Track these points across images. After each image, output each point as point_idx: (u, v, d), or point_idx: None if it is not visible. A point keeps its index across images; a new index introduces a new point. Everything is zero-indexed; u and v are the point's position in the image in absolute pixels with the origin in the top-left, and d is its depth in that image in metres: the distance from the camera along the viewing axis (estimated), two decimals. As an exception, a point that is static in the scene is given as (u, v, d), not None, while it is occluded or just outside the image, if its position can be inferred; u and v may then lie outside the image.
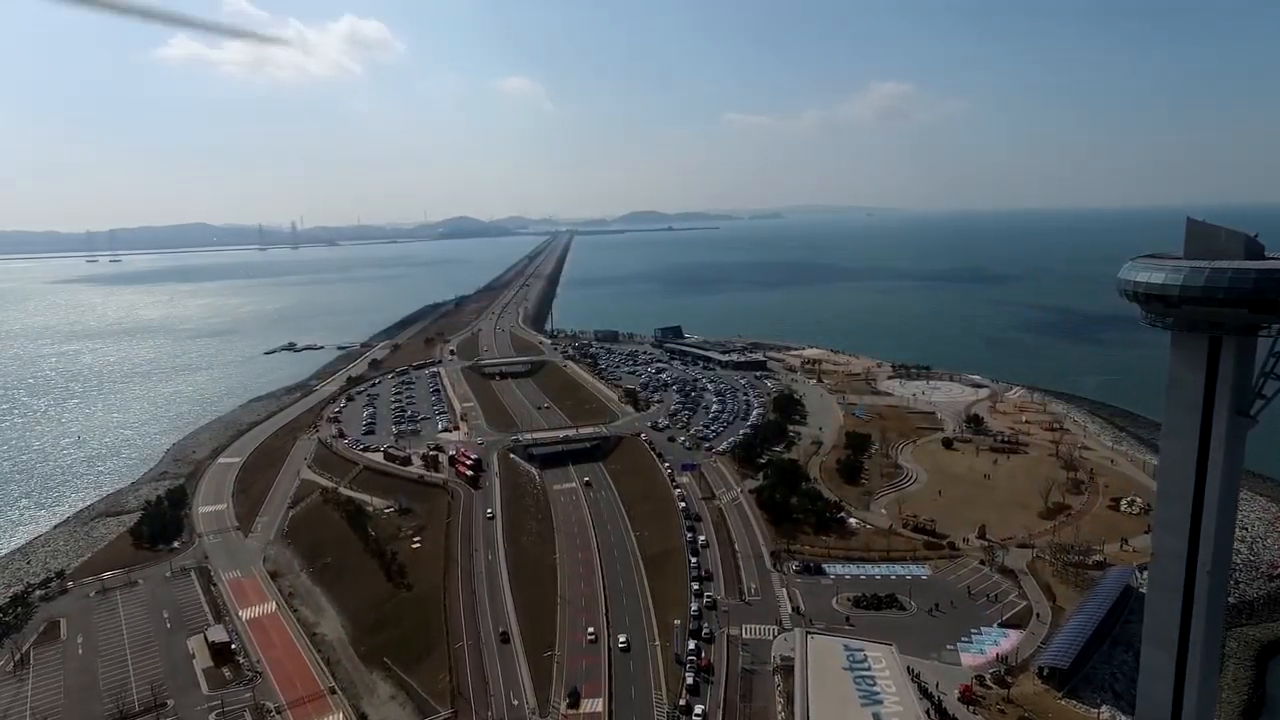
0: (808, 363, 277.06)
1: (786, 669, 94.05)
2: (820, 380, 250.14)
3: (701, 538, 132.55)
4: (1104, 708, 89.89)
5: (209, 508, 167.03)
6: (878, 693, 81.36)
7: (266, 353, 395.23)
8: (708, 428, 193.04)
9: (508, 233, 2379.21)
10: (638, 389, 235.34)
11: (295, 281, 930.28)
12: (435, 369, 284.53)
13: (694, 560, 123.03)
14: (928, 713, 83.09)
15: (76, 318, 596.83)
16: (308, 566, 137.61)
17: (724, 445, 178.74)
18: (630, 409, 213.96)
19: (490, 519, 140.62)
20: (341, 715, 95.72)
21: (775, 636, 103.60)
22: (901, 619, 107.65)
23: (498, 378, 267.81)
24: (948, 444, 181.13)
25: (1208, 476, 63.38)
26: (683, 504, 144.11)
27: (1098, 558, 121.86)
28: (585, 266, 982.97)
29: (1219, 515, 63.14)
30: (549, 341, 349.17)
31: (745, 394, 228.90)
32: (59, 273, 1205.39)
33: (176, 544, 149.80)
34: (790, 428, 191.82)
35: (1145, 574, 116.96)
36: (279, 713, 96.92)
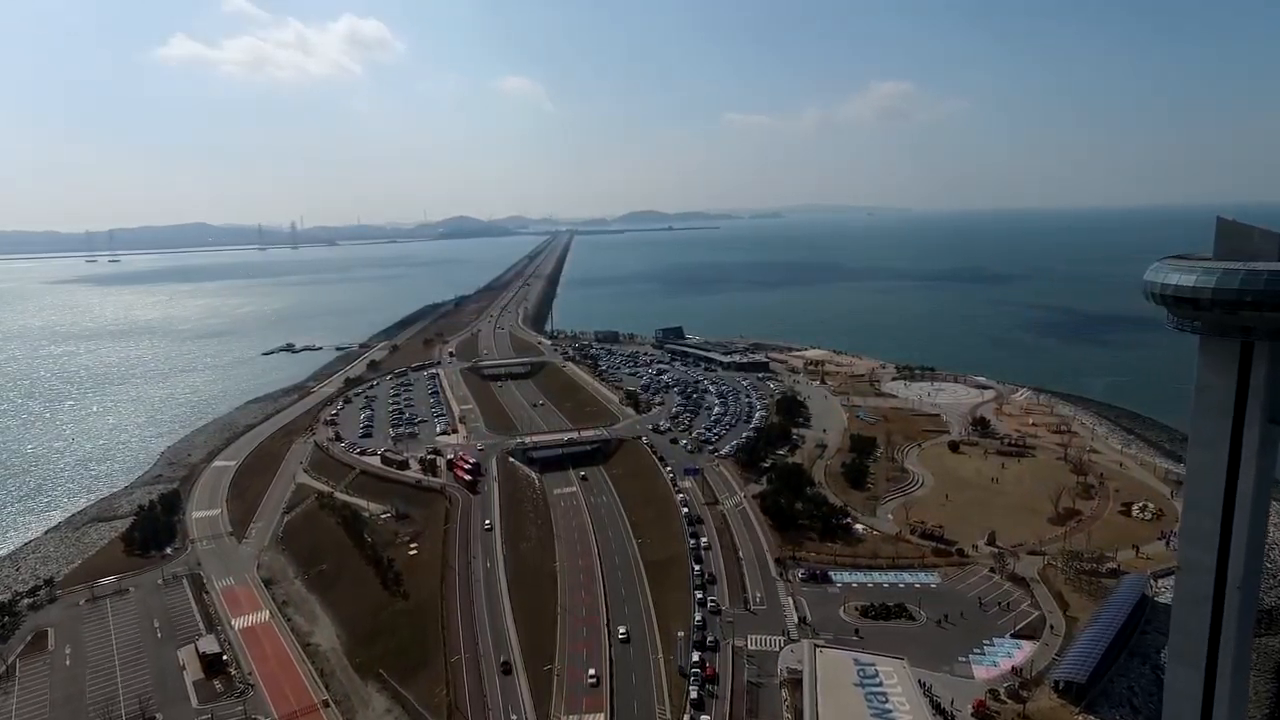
0: (811, 364, 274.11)
1: (794, 682, 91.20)
2: (824, 382, 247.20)
3: (704, 543, 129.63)
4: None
5: (203, 513, 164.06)
6: (890, 710, 78.58)
7: (264, 353, 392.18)
8: (710, 430, 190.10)
9: (508, 232, 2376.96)
10: (639, 391, 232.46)
11: (294, 281, 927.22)
12: (434, 370, 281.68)
13: (697, 567, 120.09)
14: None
15: (73, 318, 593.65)
16: (302, 573, 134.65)
17: (727, 448, 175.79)
18: (631, 411, 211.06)
19: (489, 530, 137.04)
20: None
21: (782, 647, 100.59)
22: (911, 629, 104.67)
23: (499, 380, 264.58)
24: (954, 447, 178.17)
25: (1238, 487, 60.54)
26: (685, 509, 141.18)
27: (1111, 565, 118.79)
28: (585, 266, 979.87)
29: (1250, 528, 60.20)
30: (549, 342, 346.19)
31: (748, 396, 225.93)
32: (57, 273, 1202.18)
33: (169, 550, 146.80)
34: (794, 430, 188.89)
35: (1160, 582, 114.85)
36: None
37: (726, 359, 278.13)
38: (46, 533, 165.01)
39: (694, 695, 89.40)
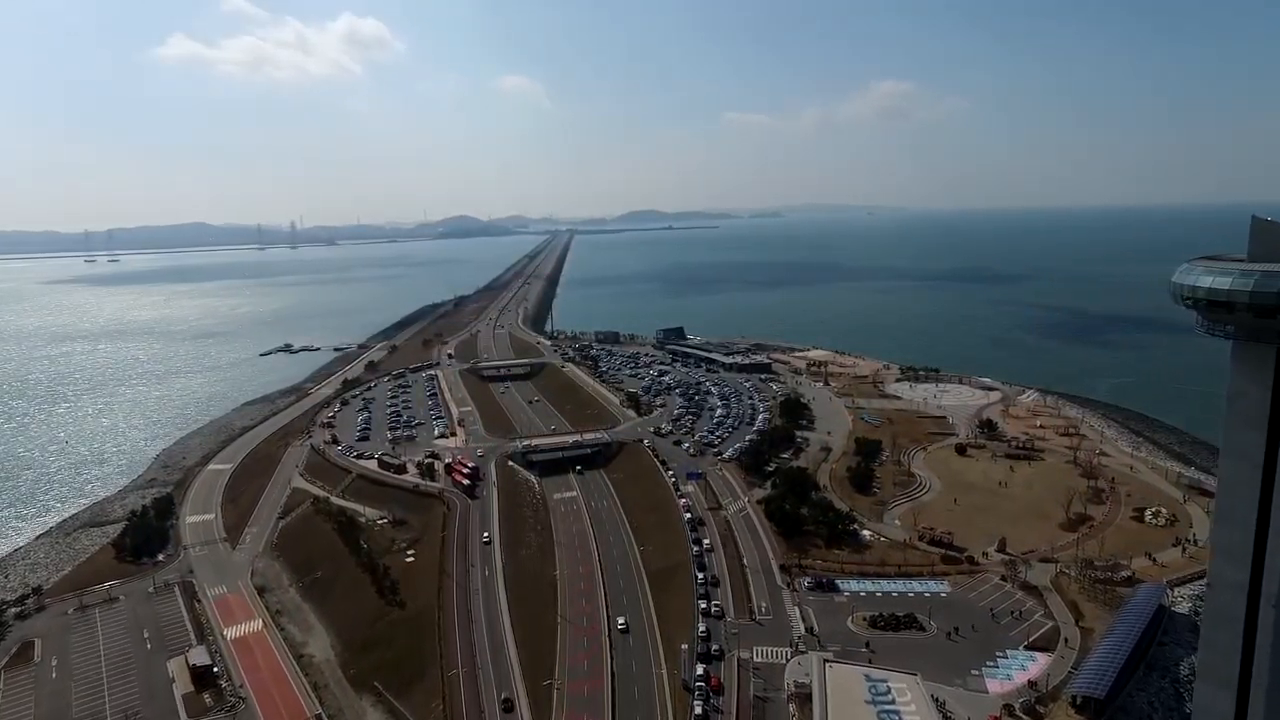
0: (813, 364, 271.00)
1: (802, 696, 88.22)
2: (827, 383, 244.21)
3: (708, 548, 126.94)
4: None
5: (196, 517, 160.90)
6: (903, 728, 75.57)
7: (262, 354, 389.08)
8: (712, 433, 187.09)
9: (507, 232, 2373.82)
10: (639, 392, 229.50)
11: (293, 281, 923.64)
12: (433, 371, 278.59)
13: (700, 575, 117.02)
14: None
15: (69, 319, 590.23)
16: (297, 581, 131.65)
17: (729, 451, 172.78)
18: (632, 413, 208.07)
19: (487, 543, 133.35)
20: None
21: (788, 659, 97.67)
22: (921, 640, 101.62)
23: (501, 386, 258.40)
24: (961, 450, 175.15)
25: (1273, 500, 57.57)
26: (688, 514, 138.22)
27: (1125, 573, 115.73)
28: (585, 266, 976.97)
29: (1286, 543, 57.30)
30: (549, 343, 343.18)
31: (750, 397, 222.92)
32: (56, 273, 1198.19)
33: (161, 557, 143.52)
34: (797, 433, 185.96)
35: (1177, 591, 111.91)
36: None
37: (728, 360, 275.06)
38: (38, 538, 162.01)
39: (699, 711, 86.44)
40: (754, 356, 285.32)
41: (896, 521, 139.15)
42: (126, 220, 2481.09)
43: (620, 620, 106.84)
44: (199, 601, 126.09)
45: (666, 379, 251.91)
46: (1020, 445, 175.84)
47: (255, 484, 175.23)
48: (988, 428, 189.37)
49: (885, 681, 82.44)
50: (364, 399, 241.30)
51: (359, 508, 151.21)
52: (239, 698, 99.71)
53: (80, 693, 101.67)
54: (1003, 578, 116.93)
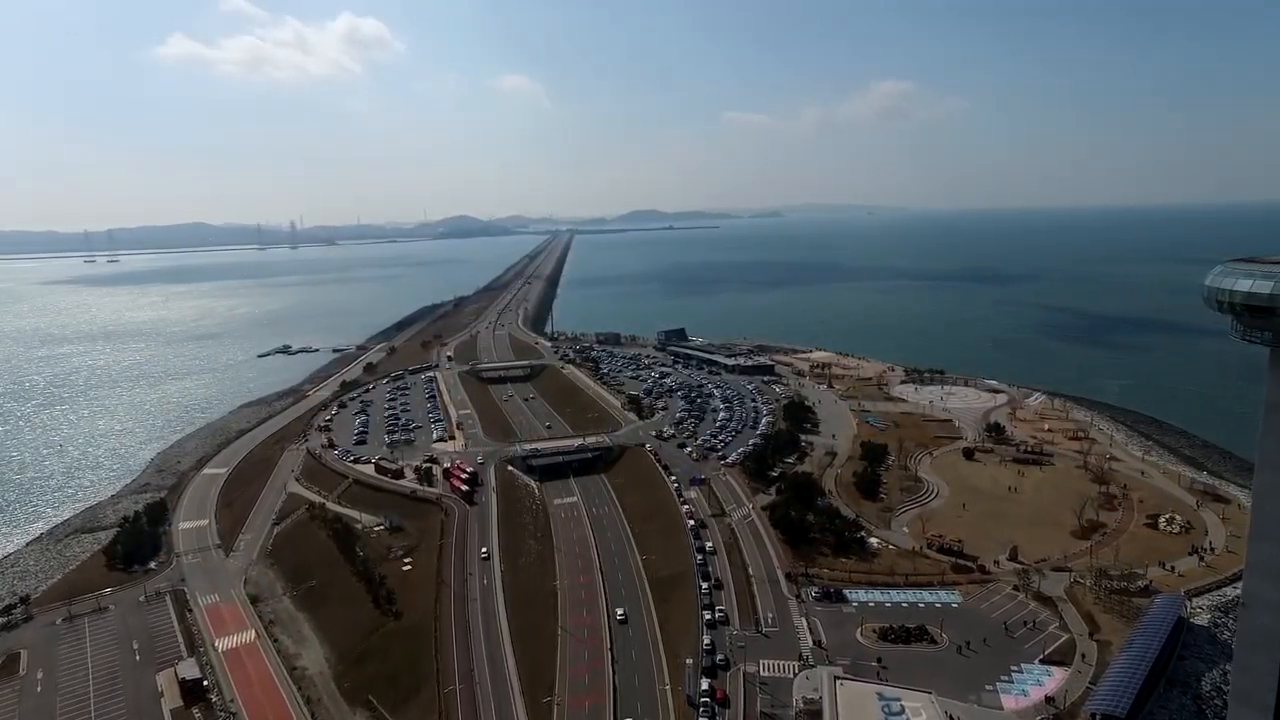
0: (816, 366, 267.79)
1: (810, 713, 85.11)
2: (831, 385, 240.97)
3: (711, 553, 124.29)
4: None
5: (190, 524, 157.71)
6: (918, 749, 72.49)
7: (260, 355, 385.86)
8: (715, 437, 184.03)
9: (508, 232, 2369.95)
10: (641, 395, 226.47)
11: (293, 282, 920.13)
12: (432, 373, 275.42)
13: (704, 585, 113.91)
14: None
15: (66, 320, 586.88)
16: (291, 589, 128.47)
17: (733, 456, 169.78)
18: (633, 416, 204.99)
19: (485, 559, 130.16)
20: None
21: (796, 674, 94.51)
22: (933, 654, 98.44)
23: (505, 393, 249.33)
24: (968, 454, 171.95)
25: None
26: (691, 521, 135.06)
27: (1141, 583, 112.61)
28: (586, 266, 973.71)
29: (1328, 561, 54.34)
30: (549, 344, 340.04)
31: (753, 400, 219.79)
32: (54, 273, 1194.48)
33: (153, 564, 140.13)
34: (802, 437, 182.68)
35: (1196, 602, 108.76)
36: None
37: (730, 362, 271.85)
38: (28, 545, 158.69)
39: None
40: (756, 358, 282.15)
41: (905, 529, 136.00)
42: (127, 220, 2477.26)
43: (619, 611, 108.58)
44: (190, 611, 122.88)
45: (668, 381, 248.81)
46: (1029, 449, 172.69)
47: (250, 489, 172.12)
48: (995, 431, 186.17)
49: (899, 700, 79.37)
50: (362, 401, 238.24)
51: (355, 514, 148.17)
52: (229, 712, 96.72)
53: (65, 707, 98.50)
54: (1015, 587, 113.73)
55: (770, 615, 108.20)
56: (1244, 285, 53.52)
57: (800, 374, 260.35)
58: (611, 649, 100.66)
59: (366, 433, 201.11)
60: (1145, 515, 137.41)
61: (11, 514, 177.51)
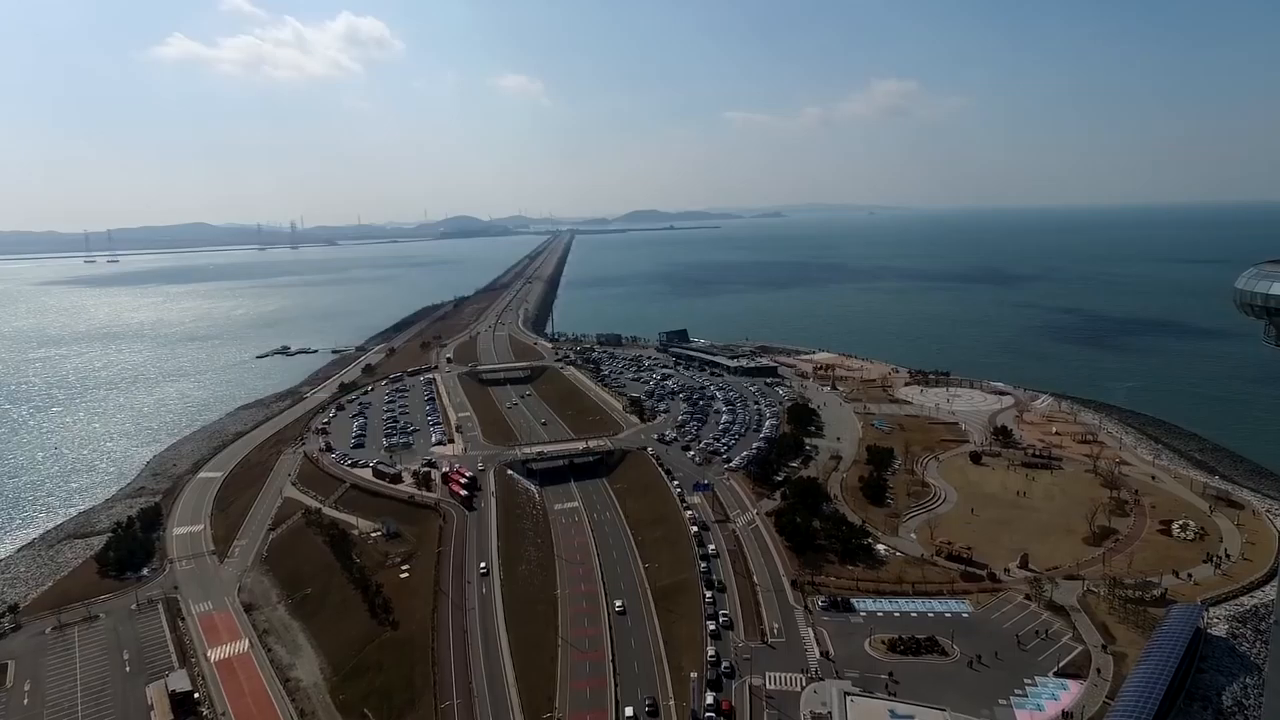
0: (820, 368, 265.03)
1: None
2: (835, 387, 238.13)
3: (715, 558, 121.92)
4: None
5: (184, 529, 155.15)
6: (933, 770, 69.72)
7: (259, 356, 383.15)
8: (718, 440, 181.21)
9: (508, 232, 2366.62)
10: (642, 397, 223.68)
11: (292, 282, 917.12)
12: (431, 375, 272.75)
13: (709, 595, 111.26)
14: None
15: (64, 321, 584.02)
16: (286, 597, 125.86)
17: (737, 460, 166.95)
18: (635, 419, 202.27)
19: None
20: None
21: (804, 687, 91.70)
22: (944, 666, 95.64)
23: (509, 400, 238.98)
24: (976, 458, 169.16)
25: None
26: (694, 528, 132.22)
27: (1157, 592, 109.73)
28: (586, 266, 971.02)
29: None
30: (550, 345, 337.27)
31: (757, 403, 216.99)
32: (53, 274, 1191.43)
33: (146, 571, 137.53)
34: (806, 440, 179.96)
35: (1213, 612, 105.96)
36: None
37: (733, 363, 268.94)
38: (19, 550, 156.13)
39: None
40: (759, 360, 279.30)
41: (913, 535, 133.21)
42: (127, 220, 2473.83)
43: (618, 603, 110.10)
44: (183, 620, 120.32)
45: (670, 383, 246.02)
46: (1037, 453, 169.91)
47: (246, 493, 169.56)
48: (1002, 434, 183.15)
49: (912, 718, 76.54)
50: (360, 404, 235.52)
51: (352, 519, 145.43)
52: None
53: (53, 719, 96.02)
54: (1027, 596, 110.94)
55: (776, 625, 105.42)
56: (1278, 289, 50.77)
57: (803, 376, 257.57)
58: (613, 661, 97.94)
59: (364, 436, 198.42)
60: (1158, 521, 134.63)
61: (3, 519, 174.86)
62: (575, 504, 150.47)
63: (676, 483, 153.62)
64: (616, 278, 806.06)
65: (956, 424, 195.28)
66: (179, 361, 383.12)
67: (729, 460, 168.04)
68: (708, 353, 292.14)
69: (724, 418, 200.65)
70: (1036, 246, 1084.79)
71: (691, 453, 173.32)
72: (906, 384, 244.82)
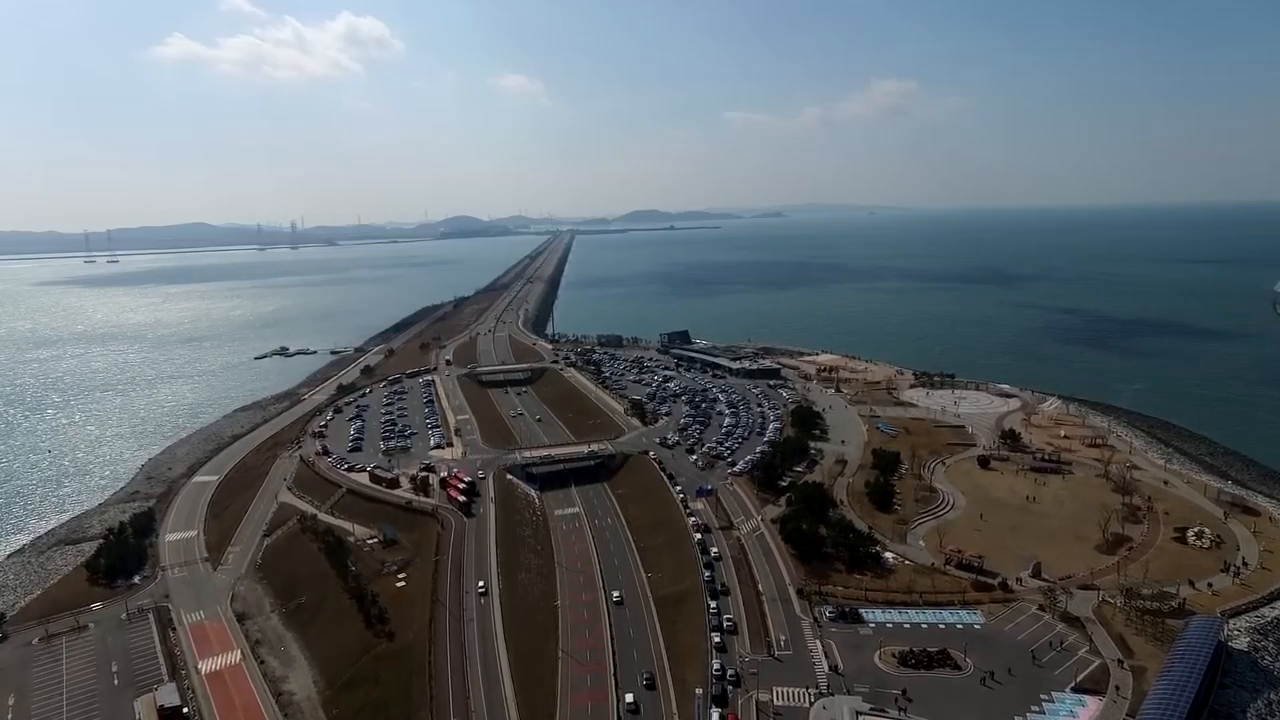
0: (824, 369, 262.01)
1: (830, 748, 79.41)
2: (839, 389, 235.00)
3: (718, 562, 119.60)
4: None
5: (177, 535, 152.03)
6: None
7: (257, 358, 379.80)
8: (721, 444, 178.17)
9: (508, 232, 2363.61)
10: (644, 400, 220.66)
11: (292, 282, 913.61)
12: (430, 377, 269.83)
13: (713, 604, 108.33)
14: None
15: (62, 321, 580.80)
16: (280, 606, 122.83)
17: (740, 464, 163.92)
18: (637, 422, 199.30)
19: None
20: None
21: (812, 702, 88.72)
22: (958, 682, 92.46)
23: (514, 410, 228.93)
24: (983, 462, 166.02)
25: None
26: (698, 535, 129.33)
27: (1174, 602, 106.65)
28: (587, 267, 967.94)
29: None
30: (550, 346, 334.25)
31: (760, 405, 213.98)
32: (53, 274, 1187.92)
33: (137, 579, 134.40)
34: (811, 444, 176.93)
35: (1234, 624, 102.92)
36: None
37: (735, 365, 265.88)
38: (9, 557, 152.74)
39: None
40: (761, 361, 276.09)
41: (921, 542, 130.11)
42: (127, 220, 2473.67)
43: (615, 594, 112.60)
44: (174, 630, 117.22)
45: (672, 385, 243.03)
46: (1046, 457, 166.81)
47: (241, 498, 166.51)
48: (1010, 438, 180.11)
49: (927, 739, 73.54)
50: (357, 406, 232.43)
51: (348, 526, 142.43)
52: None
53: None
54: (1040, 607, 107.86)
55: (783, 637, 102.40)
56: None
57: (807, 377, 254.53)
58: (615, 674, 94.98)
59: (362, 439, 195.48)
60: (1173, 528, 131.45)
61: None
62: (576, 509, 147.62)
63: (679, 487, 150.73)
64: (617, 278, 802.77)
65: (963, 427, 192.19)
66: (176, 363, 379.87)
67: (732, 464, 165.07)
68: (709, 354, 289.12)
69: (727, 421, 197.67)
70: (1036, 246, 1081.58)
71: (694, 456, 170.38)
72: (911, 386, 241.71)
